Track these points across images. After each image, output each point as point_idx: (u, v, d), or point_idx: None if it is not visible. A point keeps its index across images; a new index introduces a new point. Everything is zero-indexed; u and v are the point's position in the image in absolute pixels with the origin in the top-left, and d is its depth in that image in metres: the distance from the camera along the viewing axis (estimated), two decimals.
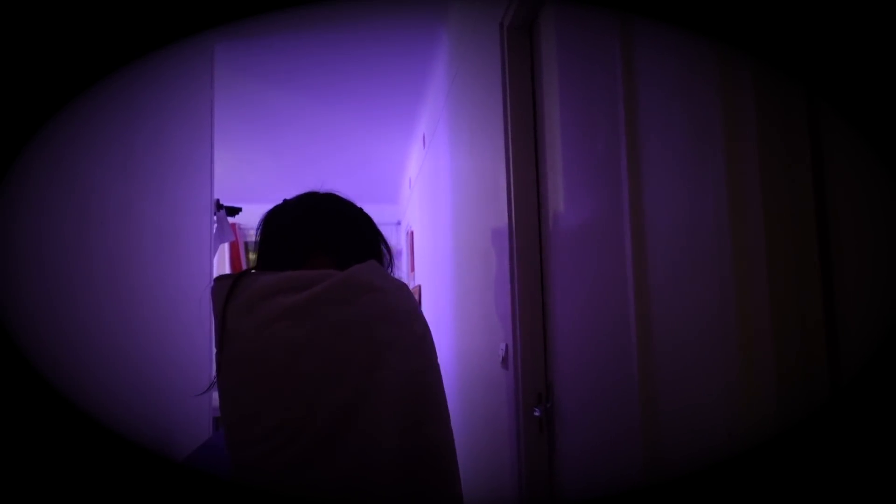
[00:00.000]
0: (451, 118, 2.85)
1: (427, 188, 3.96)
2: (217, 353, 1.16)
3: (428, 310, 4.12)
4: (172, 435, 2.19)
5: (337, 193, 1.36)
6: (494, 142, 1.85)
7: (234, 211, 2.88)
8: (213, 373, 1.19)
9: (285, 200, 1.33)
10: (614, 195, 1.06)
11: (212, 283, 1.21)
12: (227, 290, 1.15)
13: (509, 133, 1.68)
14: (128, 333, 1.78)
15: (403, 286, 1.23)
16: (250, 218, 7.55)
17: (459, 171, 2.61)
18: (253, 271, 1.21)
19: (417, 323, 1.17)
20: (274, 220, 1.29)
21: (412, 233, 5.36)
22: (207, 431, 2.70)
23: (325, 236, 1.26)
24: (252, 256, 6.93)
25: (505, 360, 1.76)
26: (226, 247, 6.37)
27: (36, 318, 1.30)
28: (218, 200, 2.75)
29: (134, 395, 1.81)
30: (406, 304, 1.18)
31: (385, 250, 1.33)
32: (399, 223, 6.82)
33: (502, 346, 1.77)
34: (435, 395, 1.14)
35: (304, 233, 1.26)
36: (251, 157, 4.90)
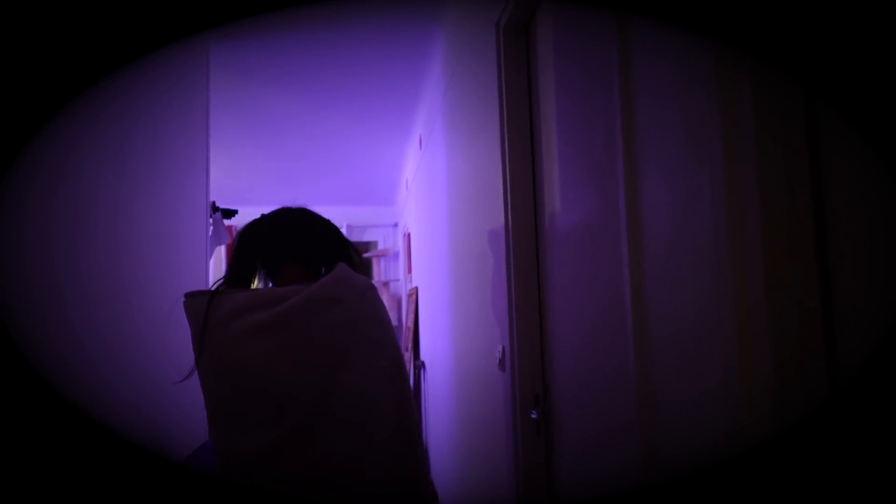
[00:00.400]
0: (447, 119, 2.84)
1: (424, 190, 3.96)
2: (196, 359, 1.30)
3: (425, 311, 4.11)
4: (170, 436, 2.18)
5: (307, 208, 1.46)
6: (491, 143, 1.84)
7: (230, 213, 2.87)
8: (191, 365, 1.31)
9: (262, 215, 1.44)
10: (611, 196, 1.05)
11: (183, 298, 1.34)
12: (205, 304, 1.29)
13: (505, 134, 1.68)
14: (125, 335, 1.77)
15: (366, 290, 1.34)
16: (246, 220, 7.49)
17: (456, 172, 2.61)
18: (221, 289, 1.34)
19: (376, 326, 1.32)
20: (250, 234, 1.41)
21: (409, 234, 5.36)
22: (206, 433, 2.69)
23: (297, 249, 1.39)
24: None
25: (502, 362, 1.75)
26: (223, 249, 6.35)
27: (33, 320, 1.29)
28: (214, 203, 2.74)
29: (132, 395, 1.81)
30: (367, 310, 1.31)
31: (354, 255, 1.43)
32: (396, 225, 6.82)
33: (499, 347, 1.77)
34: (397, 387, 1.30)
35: (277, 246, 1.39)
36: (247, 160, 4.89)
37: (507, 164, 1.66)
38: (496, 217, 1.78)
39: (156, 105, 2.09)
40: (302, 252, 1.39)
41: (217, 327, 1.26)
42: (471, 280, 2.28)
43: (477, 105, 2.10)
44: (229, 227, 6.50)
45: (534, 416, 1.56)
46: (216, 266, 6.33)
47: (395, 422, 1.26)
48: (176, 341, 2.24)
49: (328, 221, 1.46)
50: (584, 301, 1.27)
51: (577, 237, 1.30)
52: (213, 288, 1.36)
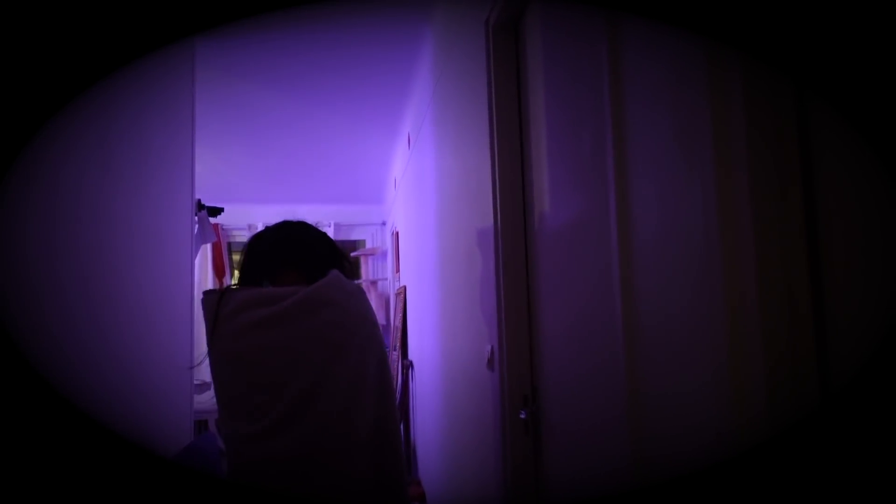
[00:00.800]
0: (436, 118, 2.83)
1: (412, 189, 3.94)
2: (208, 350, 1.46)
3: (413, 311, 4.10)
4: (154, 437, 2.16)
5: (305, 221, 1.64)
6: (480, 142, 1.83)
7: (216, 211, 2.83)
8: (204, 353, 1.47)
9: (266, 227, 1.63)
10: (601, 194, 1.05)
11: (201, 296, 1.50)
12: (216, 301, 1.45)
13: (495, 133, 1.67)
14: (108, 335, 1.75)
15: (355, 294, 1.50)
16: (233, 218, 7.46)
17: (444, 171, 2.60)
18: (233, 287, 1.51)
19: (365, 327, 1.46)
20: (255, 244, 1.60)
21: (397, 233, 5.34)
22: (189, 435, 2.66)
23: (293, 257, 1.56)
24: (236, 257, 6.85)
25: (491, 362, 1.75)
26: (208, 247, 6.29)
27: (20, 319, 1.27)
28: (199, 200, 2.71)
29: (116, 396, 1.78)
30: (356, 311, 1.47)
31: (346, 264, 1.60)
32: (384, 223, 6.80)
33: (488, 347, 1.76)
34: (380, 383, 1.45)
35: (276, 255, 1.56)
36: (234, 157, 4.85)
37: (496, 164, 1.66)
38: (485, 217, 1.77)
39: (141, 103, 2.06)
40: (297, 261, 1.55)
41: (224, 321, 1.43)
42: (459, 280, 2.28)
43: (466, 104, 2.09)
44: (215, 225, 6.44)
45: (522, 416, 1.55)
46: (202, 264, 6.28)
47: (375, 415, 1.41)
48: (159, 342, 2.21)
49: (324, 234, 1.65)
50: (573, 301, 1.26)
51: (567, 237, 1.30)
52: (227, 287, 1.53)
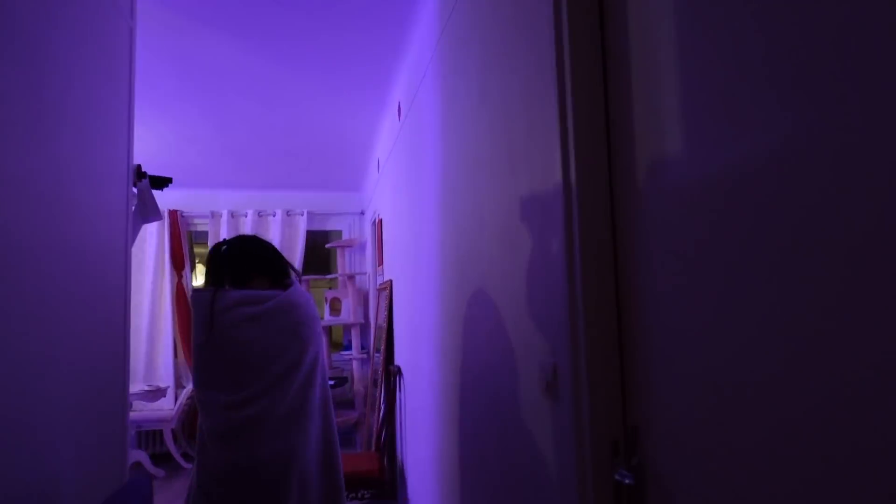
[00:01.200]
0: (443, 70, 2.27)
1: (403, 168, 3.37)
2: (202, 338, 1.85)
3: (402, 309, 3.52)
4: (77, 479, 1.55)
5: (258, 236, 2.10)
6: (529, 72, 1.28)
7: (162, 182, 2.22)
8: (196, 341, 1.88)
9: (225, 241, 2.06)
10: (791, 121, 0.50)
11: (191, 292, 1.97)
12: (210, 298, 1.87)
13: (565, 38, 1.11)
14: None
15: (309, 300, 2.03)
16: (194, 204, 6.75)
17: (456, 134, 2.03)
18: (224, 288, 1.93)
19: (316, 325, 2.01)
20: (218, 256, 2.00)
21: (380, 221, 4.75)
22: (124, 472, 2.05)
23: (256, 267, 2.02)
24: (197, 250, 6.16)
25: (551, 387, 1.19)
26: (166, 237, 5.59)
27: None
28: (139, 167, 2.09)
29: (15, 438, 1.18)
30: (312, 313, 2.01)
31: (293, 271, 2.11)
32: (363, 213, 6.20)
33: (548, 363, 1.20)
34: (322, 367, 2.01)
35: (243, 264, 2.00)
36: (192, 130, 4.20)
37: (570, 85, 1.10)
38: (540, 177, 1.23)
39: (41, 20, 1.46)
40: (260, 269, 2.01)
41: (220, 314, 1.84)
42: (485, 270, 1.71)
43: (498, 30, 1.54)
44: (174, 212, 5.74)
45: (618, 477, 1.00)
46: (159, 256, 5.57)
47: (323, 390, 1.99)
48: (79, 346, 1.58)
49: (273, 246, 2.09)
50: (734, 298, 0.71)
51: (714, 195, 0.75)
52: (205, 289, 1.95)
